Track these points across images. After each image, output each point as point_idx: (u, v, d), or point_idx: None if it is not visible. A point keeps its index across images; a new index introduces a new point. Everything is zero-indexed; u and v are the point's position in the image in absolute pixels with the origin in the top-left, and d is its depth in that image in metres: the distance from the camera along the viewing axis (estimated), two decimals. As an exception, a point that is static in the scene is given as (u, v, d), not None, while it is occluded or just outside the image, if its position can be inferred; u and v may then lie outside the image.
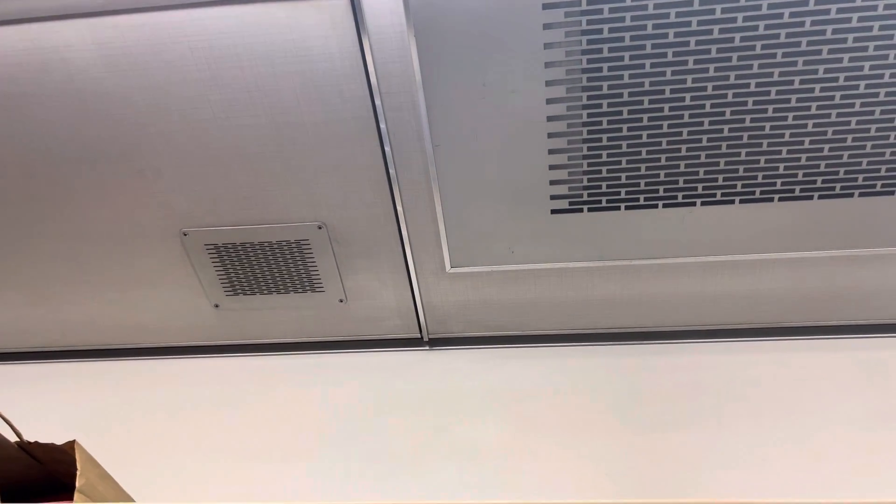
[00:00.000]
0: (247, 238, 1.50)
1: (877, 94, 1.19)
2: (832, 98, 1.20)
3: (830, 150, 1.26)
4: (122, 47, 1.25)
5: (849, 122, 1.23)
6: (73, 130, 1.37)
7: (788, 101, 1.21)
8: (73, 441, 1.10)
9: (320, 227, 1.47)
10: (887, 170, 1.27)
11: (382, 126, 1.31)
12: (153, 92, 1.30)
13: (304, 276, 1.56)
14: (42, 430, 1.56)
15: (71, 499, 1.06)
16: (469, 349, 1.65)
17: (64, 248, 1.56)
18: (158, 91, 1.30)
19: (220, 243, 1.51)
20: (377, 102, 1.28)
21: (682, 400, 1.46)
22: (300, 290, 1.59)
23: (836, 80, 1.18)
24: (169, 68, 1.27)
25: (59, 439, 1.12)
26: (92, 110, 1.34)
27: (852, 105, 1.21)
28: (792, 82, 1.19)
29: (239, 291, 1.60)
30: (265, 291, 1.60)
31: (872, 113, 1.21)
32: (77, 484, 1.04)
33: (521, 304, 1.58)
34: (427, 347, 1.67)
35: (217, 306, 1.64)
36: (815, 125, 1.23)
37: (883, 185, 1.30)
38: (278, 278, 1.57)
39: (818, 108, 1.21)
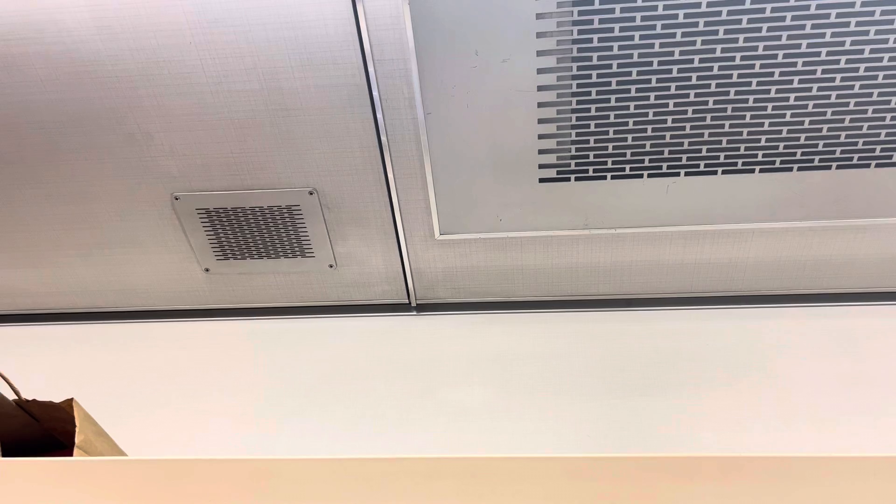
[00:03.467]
0: (238, 203, 1.51)
1: (856, 70, 1.23)
2: (814, 73, 1.24)
3: (810, 122, 1.30)
4: (114, 10, 1.25)
5: (829, 97, 1.26)
6: (64, 92, 1.36)
7: (772, 74, 1.24)
8: (72, 399, 1.12)
9: (311, 193, 1.49)
10: (864, 143, 1.32)
11: (375, 93, 1.32)
12: (145, 55, 1.31)
13: (294, 241, 1.58)
14: (33, 391, 1.58)
15: (68, 455, 1.09)
16: (456, 315, 1.69)
17: (54, 211, 1.56)
18: (150, 54, 1.30)
19: (211, 208, 1.53)
20: (370, 69, 1.29)
21: (663, 365, 1.51)
22: (290, 256, 1.61)
23: (818, 55, 1.21)
24: (161, 32, 1.27)
25: (52, 399, 1.14)
26: (83, 73, 1.33)
27: (833, 80, 1.24)
28: (776, 56, 1.22)
29: (230, 256, 1.62)
30: (256, 256, 1.61)
31: (852, 87, 1.25)
32: (76, 440, 1.07)
33: (508, 271, 1.61)
34: (415, 313, 1.71)
35: (207, 271, 1.66)
36: (796, 98, 1.27)
37: (859, 158, 1.34)
38: (269, 243, 1.58)
39: (800, 81, 1.25)
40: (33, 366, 1.68)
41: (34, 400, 1.15)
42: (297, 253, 1.60)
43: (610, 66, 1.25)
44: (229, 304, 1.74)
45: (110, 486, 0.71)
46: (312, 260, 1.61)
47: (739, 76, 1.25)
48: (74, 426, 1.09)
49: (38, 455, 1.21)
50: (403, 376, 1.55)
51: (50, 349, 1.72)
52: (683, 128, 1.32)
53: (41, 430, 1.21)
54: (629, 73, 1.25)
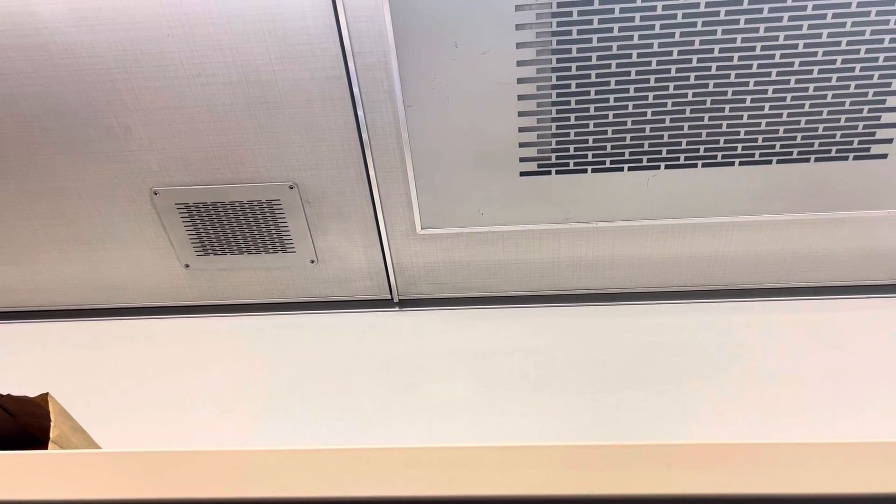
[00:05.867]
0: (218, 197, 1.50)
1: (833, 62, 1.24)
2: (791, 65, 1.24)
3: (789, 115, 1.30)
4: (90, 1, 1.24)
5: (807, 89, 1.27)
6: (40, 85, 1.35)
7: (750, 66, 1.25)
8: (47, 394, 1.11)
9: (291, 187, 1.48)
10: (842, 135, 1.33)
11: (355, 86, 1.32)
12: (122, 47, 1.29)
13: (275, 236, 1.57)
14: (11, 390, 1.56)
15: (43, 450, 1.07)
16: (438, 310, 1.68)
17: (32, 206, 1.55)
18: (128, 47, 1.29)
19: (190, 203, 1.51)
20: (349, 62, 1.28)
21: (645, 358, 1.51)
22: (271, 251, 1.60)
23: (795, 47, 1.22)
24: (139, 24, 1.26)
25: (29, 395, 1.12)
26: (59, 65, 1.32)
27: (810, 72, 1.25)
28: (754, 48, 1.23)
29: (210, 251, 1.61)
30: (236, 252, 1.60)
31: (829, 80, 1.26)
32: (51, 435, 1.05)
33: (490, 266, 1.61)
34: (397, 308, 1.70)
35: (188, 266, 1.64)
36: (774, 91, 1.28)
37: (837, 151, 1.35)
38: (249, 238, 1.57)
39: (778, 74, 1.25)
40: (11, 364, 1.66)
41: (9, 395, 1.13)
42: (278, 248, 1.59)
43: (589, 59, 1.25)
44: (210, 300, 1.72)
45: (85, 479, 0.70)
46: (293, 255, 1.61)
47: (718, 69, 1.25)
48: (50, 421, 1.07)
49: (13, 450, 1.19)
50: (386, 372, 1.54)
51: (28, 347, 1.70)
52: (663, 121, 1.32)
53: (16, 425, 1.20)
54: (609, 66, 1.26)
